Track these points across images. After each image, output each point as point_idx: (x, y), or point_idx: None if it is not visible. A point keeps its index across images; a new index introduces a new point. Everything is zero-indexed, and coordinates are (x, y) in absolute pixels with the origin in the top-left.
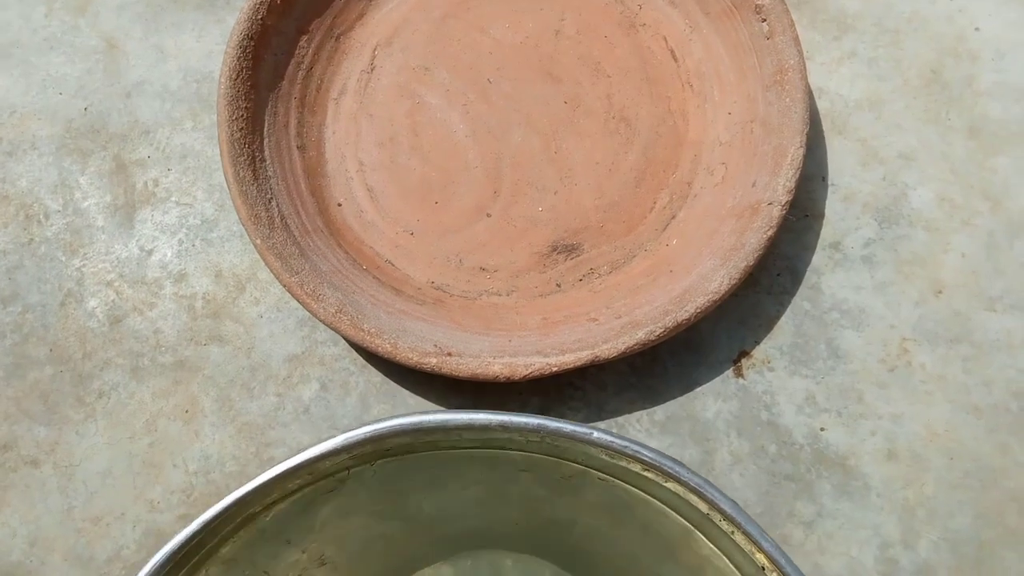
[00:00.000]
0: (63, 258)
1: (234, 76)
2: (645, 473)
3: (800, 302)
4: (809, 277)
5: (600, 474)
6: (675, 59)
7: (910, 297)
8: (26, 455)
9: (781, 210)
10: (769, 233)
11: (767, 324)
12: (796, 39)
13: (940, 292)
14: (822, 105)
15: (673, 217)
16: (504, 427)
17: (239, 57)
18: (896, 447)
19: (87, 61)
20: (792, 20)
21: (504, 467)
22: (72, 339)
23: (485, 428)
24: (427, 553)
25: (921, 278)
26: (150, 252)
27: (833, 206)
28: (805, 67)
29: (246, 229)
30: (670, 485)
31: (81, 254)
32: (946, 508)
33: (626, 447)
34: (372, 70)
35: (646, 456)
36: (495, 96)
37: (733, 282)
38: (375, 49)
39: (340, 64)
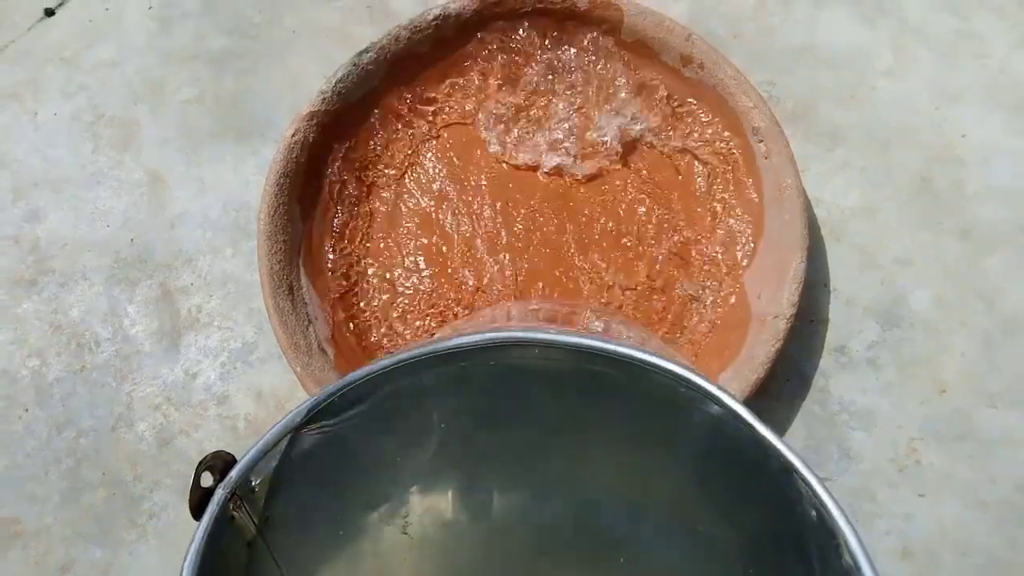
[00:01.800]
0: (114, 384)
1: (272, 212)
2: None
3: (810, 406)
4: (817, 381)
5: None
6: (679, 173)
7: (915, 397)
8: None
9: (787, 323)
10: (777, 346)
11: (779, 430)
12: (792, 159)
13: (943, 391)
14: (820, 213)
15: (683, 329)
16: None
17: (276, 194)
18: (910, 545)
19: (132, 194)
20: (787, 141)
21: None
22: (123, 462)
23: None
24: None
25: (924, 378)
26: (195, 375)
27: (836, 311)
28: (802, 185)
29: (286, 357)
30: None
31: (130, 379)
32: None
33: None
34: (400, 197)
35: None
36: (515, 219)
37: (744, 395)
38: (402, 178)
39: (369, 193)
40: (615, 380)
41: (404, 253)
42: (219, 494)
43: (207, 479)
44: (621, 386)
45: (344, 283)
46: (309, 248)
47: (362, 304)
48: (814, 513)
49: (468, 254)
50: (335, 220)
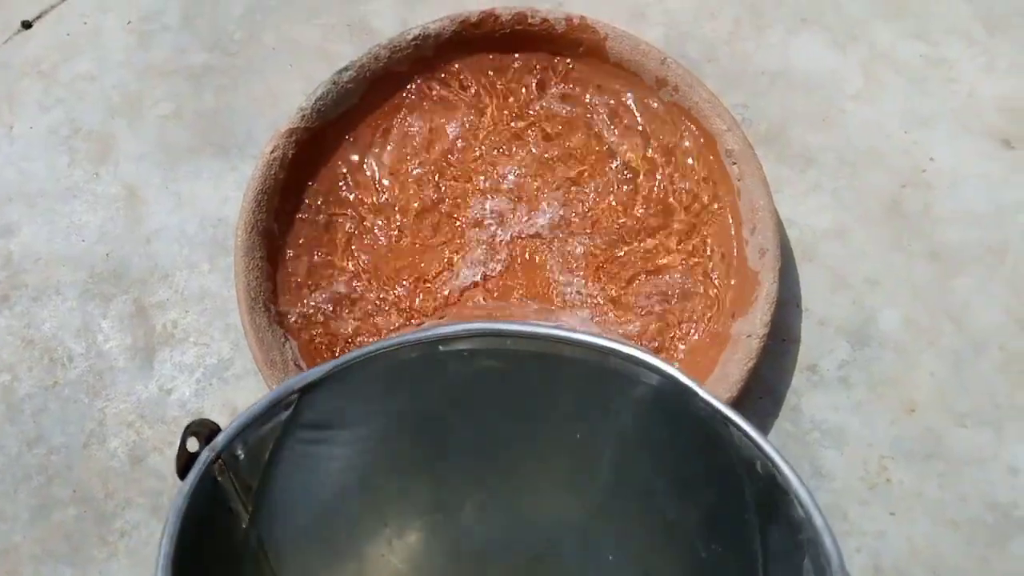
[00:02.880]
0: (86, 400)
1: (249, 228)
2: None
3: (783, 424)
4: (789, 399)
5: None
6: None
7: (885, 416)
8: None
9: (760, 342)
10: (750, 365)
11: None
12: (764, 180)
13: (913, 410)
14: (792, 234)
15: (660, 350)
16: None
17: (254, 210)
18: (881, 563)
19: (108, 209)
20: (759, 164)
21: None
22: (95, 479)
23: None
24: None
25: (894, 397)
26: (169, 391)
27: (808, 330)
28: (774, 206)
29: (261, 373)
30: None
31: (103, 395)
32: None
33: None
34: (381, 206)
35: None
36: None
37: None
38: (382, 183)
39: (347, 210)
40: (570, 368)
41: (381, 269)
42: (204, 455)
43: (193, 444)
44: (573, 373)
45: (320, 300)
46: (286, 264)
47: (340, 319)
48: (759, 465)
49: (447, 269)
50: (313, 236)
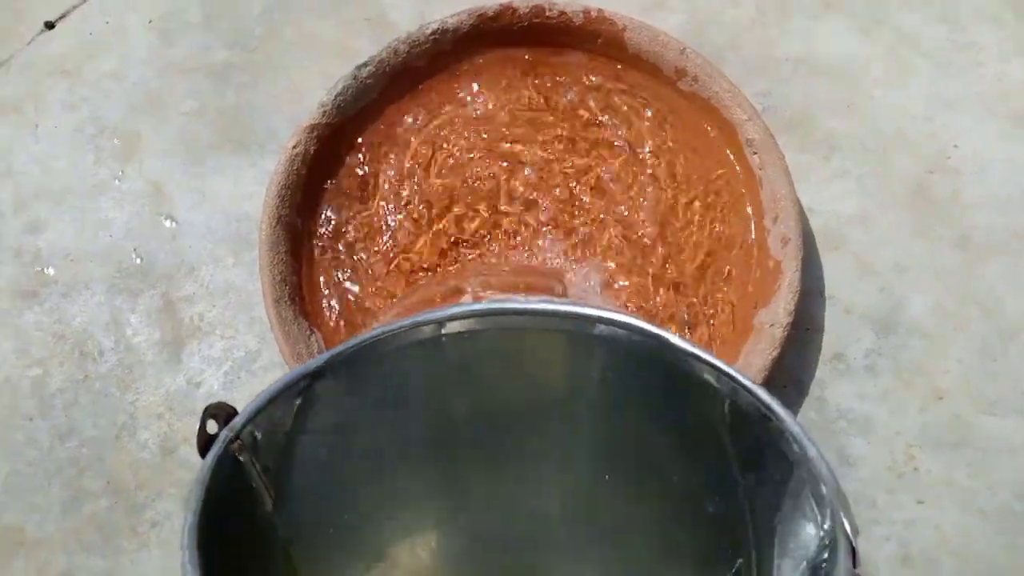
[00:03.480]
0: (117, 393)
1: (273, 223)
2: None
3: (808, 413)
4: (814, 389)
5: None
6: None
7: (913, 404)
8: None
9: (783, 331)
10: (773, 354)
11: None
12: (786, 170)
13: (941, 398)
14: (816, 222)
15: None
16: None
17: (277, 205)
18: (910, 552)
19: (135, 204)
20: (781, 153)
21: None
22: (126, 471)
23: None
24: None
25: (922, 385)
26: (198, 384)
27: (833, 319)
28: (796, 195)
29: (288, 366)
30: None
31: (133, 388)
32: None
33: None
34: (404, 204)
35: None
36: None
37: None
38: (402, 183)
39: (370, 203)
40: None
41: (401, 260)
42: (224, 434)
43: (212, 427)
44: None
45: (348, 287)
46: (311, 258)
47: (364, 310)
48: (747, 407)
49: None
50: (337, 229)
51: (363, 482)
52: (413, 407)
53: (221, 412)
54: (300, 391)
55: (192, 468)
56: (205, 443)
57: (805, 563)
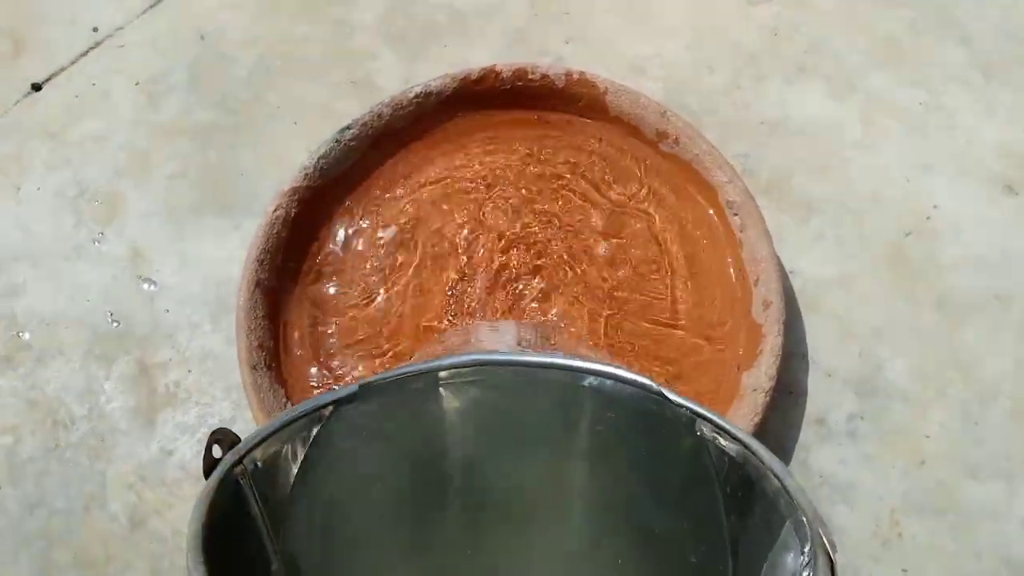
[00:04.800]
0: (87, 463)
1: (251, 288)
2: None
3: None
4: (798, 452)
5: None
6: (659, 245)
7: (896, 469)
8: None
9: (766, 396)
10: (756, 420)
11: None
12: (766, 232)
13: (923, 463)
14: (796, 284)
15: None
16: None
17: (256, 270)
18: None
19: (113, 268)
20: (761, 215)
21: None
22: (95, 543)
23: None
24: None
25: (904, 450)
26: (170, 452)
27: (815, 382)
28: (777, 257)
29: None
30: None
31: (105, 458)
32: None
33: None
34: (385, 270)
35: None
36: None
37: None
38: (383, 247)
39: (347, 264)
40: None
41: (382, 326)
42: (228, 458)
43: (217, 451)
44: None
45: (324, 359)
46: (288, 323)
47: (338, 377)
48: (734, 453)
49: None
50: (317, 297)
51: (359, 535)
52: (402, 461)
53: (226, 438)
54: (301, 428)
55: (162, 540)
56: (209, 467)
57: None
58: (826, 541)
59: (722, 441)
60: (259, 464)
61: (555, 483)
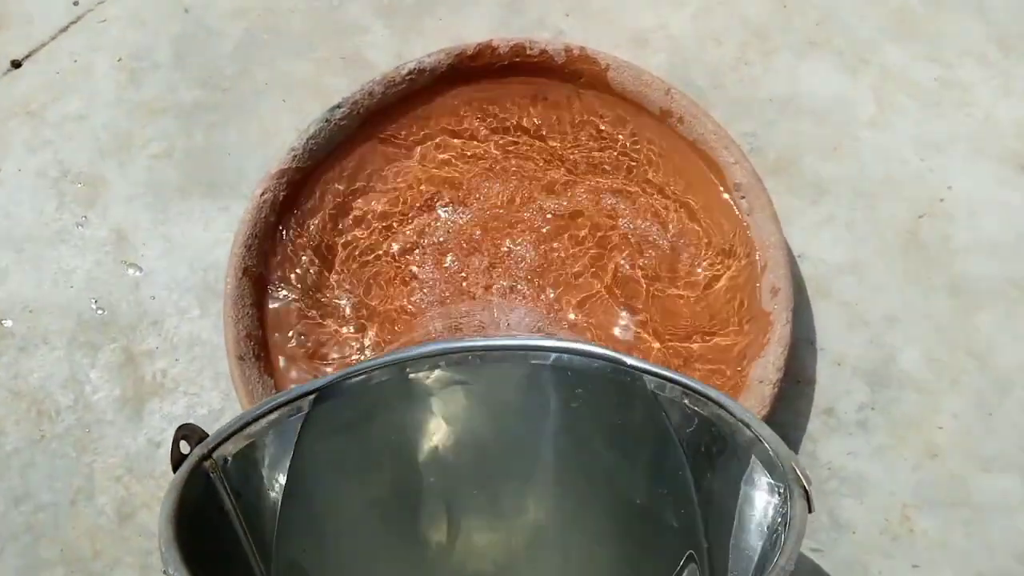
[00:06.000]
0: (74, 454)
1: (239, 274)
2: None
3: None
4: (805, 445)
5: None
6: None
7: (907, 461)
8: None
9: (773, 388)
10: (763, 412)
11: None
12: (775, 215)
13: (935, 455)
14: (805, 269)
15: None
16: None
17: (244, 256)
18: None
19: (97, 253)
20: (769, 197)
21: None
22: (82, 538)
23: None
24: None
25: (916, 441)
26: (158, 444)
27: (824, 371)
28: (786, 242)
29: None
30: None
31: (91, 449)
32: None
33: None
34: (371, 256)
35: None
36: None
37: None
38: (371, 233)
39: (336, 253)
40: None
41: (373, 313)
42: (196, 451)
43: (184, 447)
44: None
45: (313, 344)
46: (277, 312)
47: (330, 368)
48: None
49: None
50: (307, 282)
51: (333, 529)
52: (378, 453)
53: (193, 434)
54: (274, 423)
55: (151, 536)
56: (177, 462)
57: (764, 529)
58: (800, 474)
59: (688, 401)
60: (230, 459)
61: (531, 464)
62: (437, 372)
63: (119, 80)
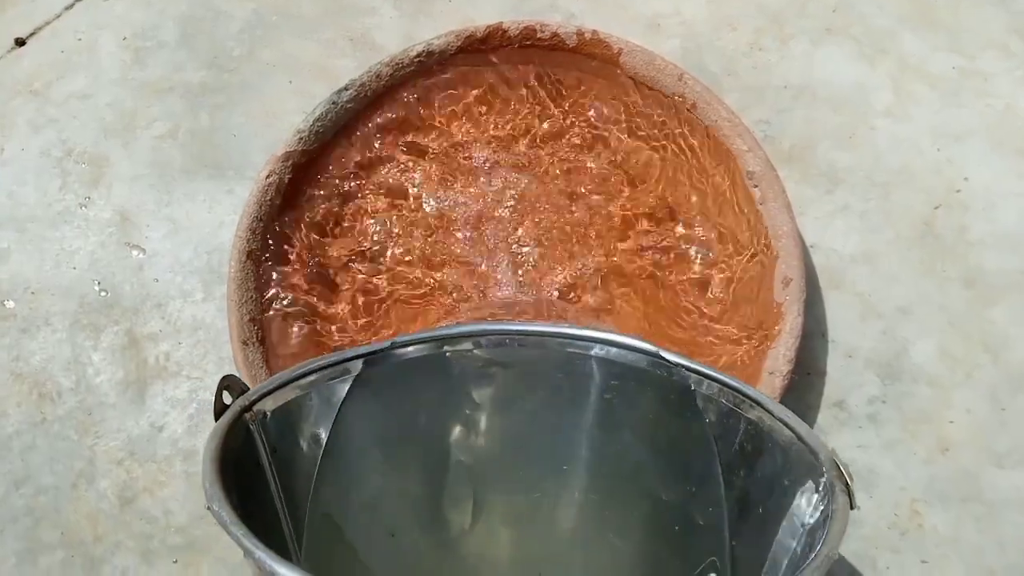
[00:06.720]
0: (75, 437)
1: (243, 258)
2: None
3: None
4: None
5: None
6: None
7: (918, 456)
8: None
9: (783, 380)
10: None
11: None
12: (788, 205)
13: (947, 450)
14: (818, 260)
15: None
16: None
17: (248, 239)
18: None
19: (100, 234)
20: (783, 186)
21: None
22: (83, 522)
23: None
24: None
25: (927, 436)
26: (161, 428)
27: (835, 363)
28: (799, 232)
29: None
30: None
31: (93, 432)
32: None
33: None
34: (375, 245)
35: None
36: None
37: None
38: (376, 221)
39: (347, 235)
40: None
41: (379, 296)
42: (238, 402)
43: (227, 397)
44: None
45: (317, 327)
46: (281, 293)
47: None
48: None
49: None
50: (311, 266)
51: (363, 497)
52: (410, 429)
53: (235, 385)
54: (312, 383)
55: (152, 520)
56: (219, 411)
57: (799, 526)
58: (842, 471)
59: (724, 399)
60: (268, 415)
61: (565, 455)
62: (476, 352)
63: (124, 59)
